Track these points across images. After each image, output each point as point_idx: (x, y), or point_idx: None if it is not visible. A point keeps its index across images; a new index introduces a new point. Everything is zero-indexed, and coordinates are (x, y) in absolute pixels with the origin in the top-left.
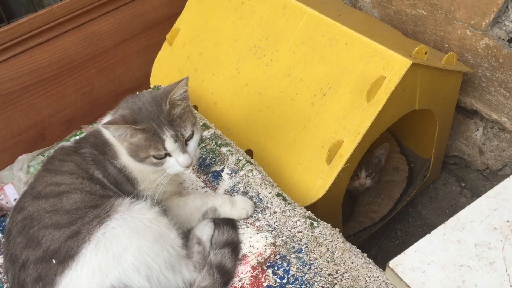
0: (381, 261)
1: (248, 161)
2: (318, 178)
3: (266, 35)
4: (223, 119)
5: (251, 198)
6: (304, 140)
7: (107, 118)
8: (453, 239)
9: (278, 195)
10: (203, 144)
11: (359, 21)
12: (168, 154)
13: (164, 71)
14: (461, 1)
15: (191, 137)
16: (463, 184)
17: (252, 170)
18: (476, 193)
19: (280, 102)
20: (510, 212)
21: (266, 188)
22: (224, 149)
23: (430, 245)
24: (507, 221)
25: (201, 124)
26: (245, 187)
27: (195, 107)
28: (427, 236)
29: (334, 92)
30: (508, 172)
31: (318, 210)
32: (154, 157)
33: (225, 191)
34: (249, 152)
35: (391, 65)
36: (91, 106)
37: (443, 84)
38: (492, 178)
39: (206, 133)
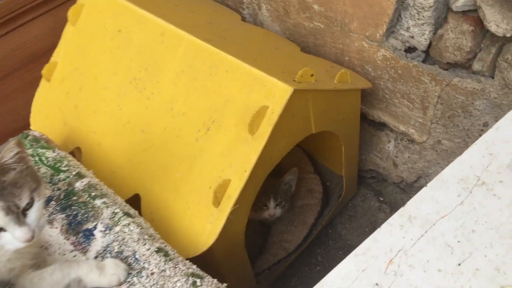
0: None
1: (125, 213)
2: (208, 223)
3: (145, 65)
4: (107, 161)
5: (126, 258)
6: (191, 181)
7: None
8: None
9: (159, 250)
10: (75, 198)
11: (252, 40)
12: (2, 229)
13: (44, 110)
14: (354, 13)
15: (30, 205)
16: (382, 199)
17: (129, 224)
18: (394, 208)
19: (165, 140)
20: (380, 273)
21: (144, 244)
22: (98, 202)
23: None
24: (376, 284)
25: (74, 173)
26: (120, 246)
27: (78, 149)
28: None
29: (218, 126)
30: (423, 183)
31: (216, 254)
32: None
33: (97, 253)
34: (137, 197)
35: (273, 93)
36: None
37: (340, 104)
38: (408, 190)
39: (78, 184)
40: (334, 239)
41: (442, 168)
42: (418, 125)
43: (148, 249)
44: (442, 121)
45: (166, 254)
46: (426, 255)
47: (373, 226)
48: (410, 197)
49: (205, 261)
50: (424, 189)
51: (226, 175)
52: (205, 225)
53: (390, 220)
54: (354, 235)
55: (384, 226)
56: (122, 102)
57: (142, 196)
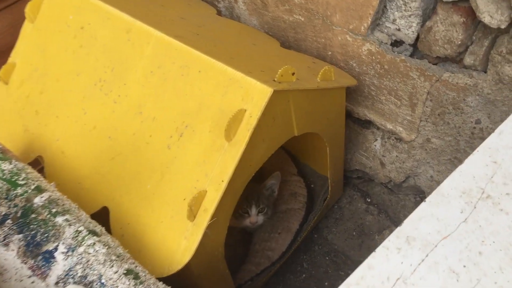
0: None
1: (90, 232)
2: (183, 239)
3: (111, 65)
4: (72, 171)
5: (91, 283)
6: (163, 193)
7: None
8: None
9: (128, 272)
10: (33, 215)
11: (228, 36)
12: None
13: (1, 116)
14: (336, 4)
15: None
16: (369, 200)
17: (94, 243)
18: (382, 209)
19: (133, 147)
20: None
21: (112, 266)
22: (60, 219)
23: None
24: None
25: (33, 187)
26: (84, 269)
27: (40, 157)
28: None
29: (192, 132)
30: (412, 183)
31: (194, 270)
32: None
33: (58, 278)
34: (105, 210)
35: (251, 95)
36: None
37: (323, 103)
38: (397, 191)
39: (38, 200)
40: (320, 244)
41: (432, 168)
42: (406, 123)
43: (116, 272)
44: (431, 119)
45: (136, 277)
46: (429, 284)
47: (361, 229)
48: (399, 198)
49: (182, 277)
50: (422, 205)
51: (201, 185)
52: (180, 241)
53: (386, 242)
54: (341, 239)
55: (380, 250)
56: (86, 106)
57: (111, 209)
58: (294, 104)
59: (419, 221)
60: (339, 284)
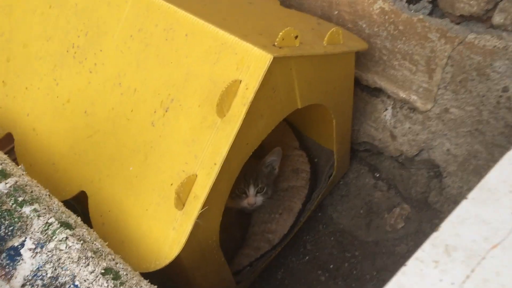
0: (290, 286)
1: (62, 224)
2: (171, 229)
3: (85, 29)
4: (45, 151)
5: (63, 286)
6: (147, 176)
7: None
8: None
9: (106, 271)
10: None
11: None
12: None
13: None
14: None
15: None
16: (377, 175)
17: (67, 238)
18: (392, 185)
19: (113, 124)
20: None
21: (87, 265)
22: (27, 210)
23: None
24: None
25: None
26: (55, 269)
27: (9, 135)
28: None
29: (179, 106)
30: (425, 156)
31: (185, 263)
32: None
33: (25, 279)
34: (83, 196)
35: (247, 63)
36: None
37: (330, 71)
38: (408, 165)
39: (2, 187)
40: (324, 224)
41: (449, 140)
42: (422, 91)
43: (92, 272)
44: (451, 86)
45: (116, 276)
46: None
47: (369, 206)
48: (411, 173)
49: (172, 270)
50: (463, 202)
51: (190, 169)
52: (168, 232)
53: (419, 253)
54: (347, 218)
55: (412, 263)
56: (59, 76)
57: (89, 194)
58: (297, 73)
59: (461, 225)
60: (345, 266)
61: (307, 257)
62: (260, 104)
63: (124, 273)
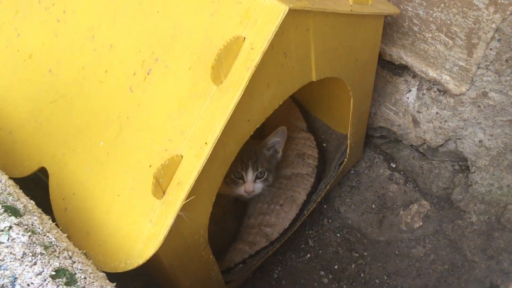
0: (288, 286)
1: (7, 209)
2: (147, 222)
3: None
4: (1, 115)
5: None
6: (121, 154)
7: None
8: None
9: (58, 274)
10: None
11: None
12: None
13: None
14: None
15: None
16: (393, 165)
17: (9, 228)
18: (410, 178)
19: (82, 87)
20: None
21: (34, 264)
22: None
23: None
24: None
25: None
26: None
27: None
28: None
29: (164, 68)
30: (452, 147)
31: (165, 262)
32: None
33: None
34: (43, 172)
35: (253, 16)
36: None
37: (354, 37)
38: (430, 156)
39: None
40: (330, 217)
41: (483, 130)
42: (457, 70)
43: (40, 273)
44: (495, 66)
45: (70, 281)
46: None
47: (382, 201)
48: (433, 165)
49: (150, 267)
50: None
51: (175, 148)
52: (143, 225)
53: None
54: (356, 213)
55: None
56: (20, 24)
57: (51, 172)
58: (315, 35)
59: None
60: (352, 268)
61: (308, 255)
62: (267, 71)
63: (82, 276)
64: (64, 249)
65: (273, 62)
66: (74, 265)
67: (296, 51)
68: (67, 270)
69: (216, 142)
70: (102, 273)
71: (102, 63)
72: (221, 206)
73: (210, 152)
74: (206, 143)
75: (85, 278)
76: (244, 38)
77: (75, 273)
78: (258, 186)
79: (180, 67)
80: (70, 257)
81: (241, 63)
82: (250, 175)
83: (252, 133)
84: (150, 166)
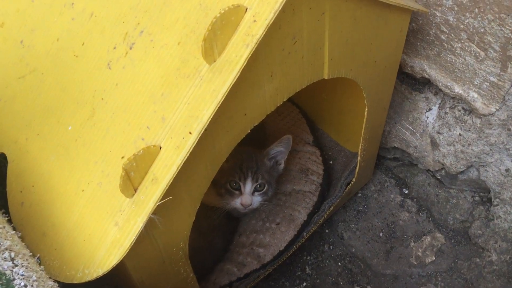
0: None
1: None
2: (112, 224)
3: None
4: None
5: None
6: (91, 141)
7: None
8: None
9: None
10: None
11: None
12: None
13: None
14: None
15: None
16: (406, 191)
17: None
18: (424, 206)
19: (55, 61)
20: None
21: None
22: None
23: None
24: None
25: None
26: None
27: None
28: None
29: (149, 42)
30: (474, 175)
31: (133, 276)
32: None
33: None
34: (3, 158)
35: None
36: None
37: (375, 33)
38: (448, 183)
39: None
40: (331, 244)
41: (511, 158)
42: (487, 86)
43: None
44: None
45: None
46: None
47: (391, 229)
48: (450, 194)
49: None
50: None
51: (153, 137)
52: (108, 228)
53: None
54: (361, 241)
55: None
56: None
57: (10, 159)
58: (331, 21)
59: None
60: None
61: (304, 284)
62: (271, 56)
63: (22, 284)
64: (5, 249)
65: (279, 46)
66: (15, 269)
67: (307, 38)
68: (4, 274)
69: (202, 132)
70: (52, 282)
71: (80, 34)
72: (209, 219)
73: (194, 144)
74: (190, 133)
75: (25, 286)
76: (246, 9)
77: (14, 279)
78: (256, 200)
79: (168, 41)
80: (12, 259)
81: (240, 39)
82: (248, 187)
83: (249, 130)
84: (122, 157)
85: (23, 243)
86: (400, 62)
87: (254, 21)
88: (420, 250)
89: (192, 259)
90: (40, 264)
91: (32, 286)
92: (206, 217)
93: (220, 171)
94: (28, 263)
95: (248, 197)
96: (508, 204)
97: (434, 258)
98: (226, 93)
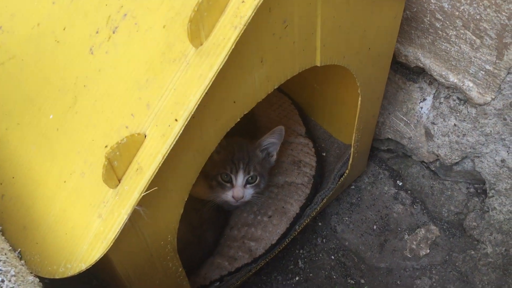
0: None
1: None
2: (95, 216)
3: None
4: None
5: None
6: (73, 130)
7: None
8: None
9: None
10: None
11: None
12: None
13: None
14: None
15: None
16: (400, 183)
17: None
18: (418, 198)
19: (36, 47)
20: None
21: None
22: None
23: None
24: None
25: None
26: None
27: None
28: None
29: (133, 25)
30: (468, 166)
31: (119, 270)
32: None
33: None
34: None
35: None
36: None
37: (369, 19)
38: (443, 175)
39: None
40: (324, 237)
41: (507, 148)
42: (483, 75)
43: None
44: None
45: None
46: None
47: (385, 222)
48: (445, 186)
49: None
50: None
51: (137, 125)
52: (91, 220)
53: None
54: (354, 234)
55: None
56: None
57: None
58: (324, 5)
59: None
60: None
61: (297, 278)
62: (261, 41)
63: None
64: None
65: (269, 30)
66: None
67: (299, 22)
68: None
69: (189, 119)
70: (33, 277)
71: (61, 19)
72: (199, 212)
73: (181, 132)
74: (176, 120)
75: (2, 281)
76: None
77: None
78: (248, 192)
79: (153, 24)
80: None
81: (228, 20)
82: (240, 179)
83: (238, 119)
84: (106, 146)
85: (3, 237)
86: (394, 51)
87: (243, 1)
88: (414, 242)
89: (181, 253)
90: (21, 259)
91: (10, 281)
92: (196, 210)
93: (211, 163)
94: (7, 258)
95: (240, 189)
96: (503, 196)
97: (428, 250)
98: (213, 78)
